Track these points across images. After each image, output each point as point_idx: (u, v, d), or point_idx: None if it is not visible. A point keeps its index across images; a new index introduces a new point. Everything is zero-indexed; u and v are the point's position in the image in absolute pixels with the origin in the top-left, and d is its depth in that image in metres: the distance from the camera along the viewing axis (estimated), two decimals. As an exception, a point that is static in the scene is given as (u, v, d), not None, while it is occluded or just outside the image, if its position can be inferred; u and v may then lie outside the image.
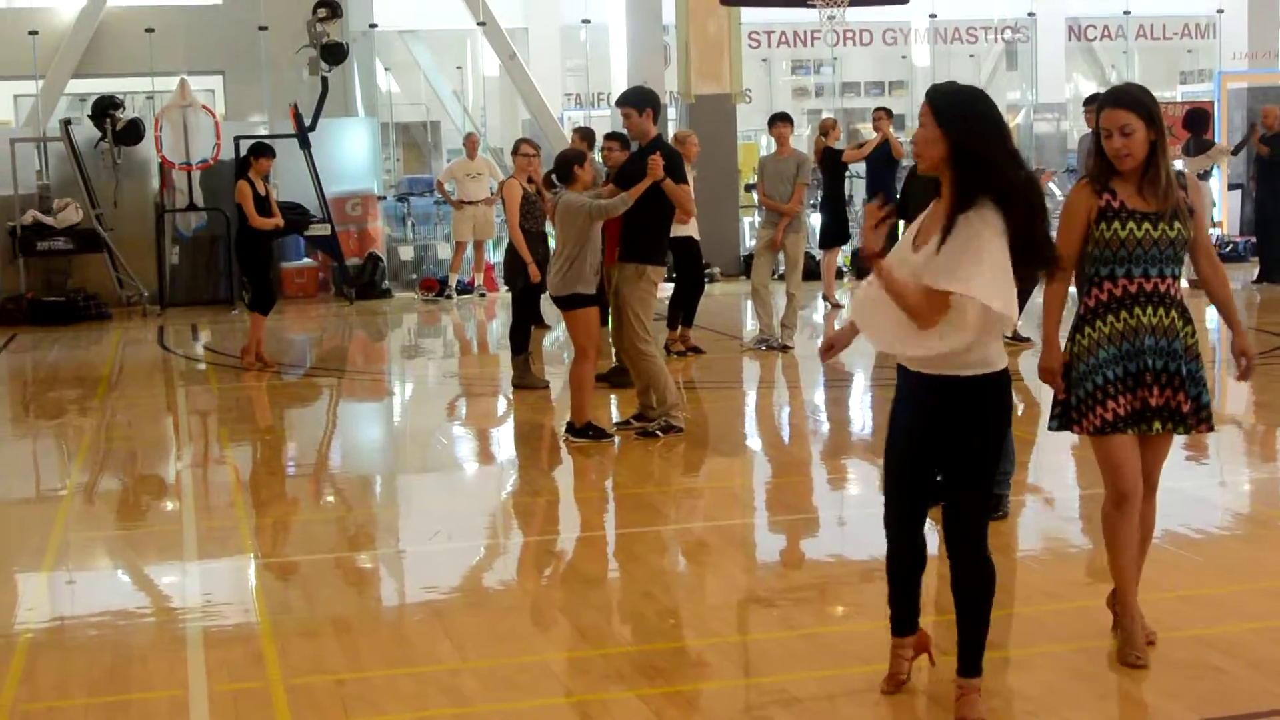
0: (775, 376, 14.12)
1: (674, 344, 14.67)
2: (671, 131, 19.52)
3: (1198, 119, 19.94)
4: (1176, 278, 5.77)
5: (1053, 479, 9.53)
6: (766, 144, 18.48)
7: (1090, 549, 7.63)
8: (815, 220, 20.15)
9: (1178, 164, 21.67)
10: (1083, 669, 5.81)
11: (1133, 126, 5.62)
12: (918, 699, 5.59)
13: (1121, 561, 5.86)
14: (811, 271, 18.88)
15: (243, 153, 20.97)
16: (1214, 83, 26.01)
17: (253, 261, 14.81)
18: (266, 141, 16.22)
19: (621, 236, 10.85)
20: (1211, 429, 5.86)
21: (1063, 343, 5.86)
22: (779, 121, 15.47)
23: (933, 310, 4.95)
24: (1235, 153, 20.42)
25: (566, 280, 10.44)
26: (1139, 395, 5.72)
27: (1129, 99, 5.70)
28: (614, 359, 12.65)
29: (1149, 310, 5.70)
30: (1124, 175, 5.68)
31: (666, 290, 18.56)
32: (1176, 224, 5.66)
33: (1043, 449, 10.09)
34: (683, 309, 14.83)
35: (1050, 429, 5.98)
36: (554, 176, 10.86)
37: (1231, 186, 23.45)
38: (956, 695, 5.31)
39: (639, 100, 11.02)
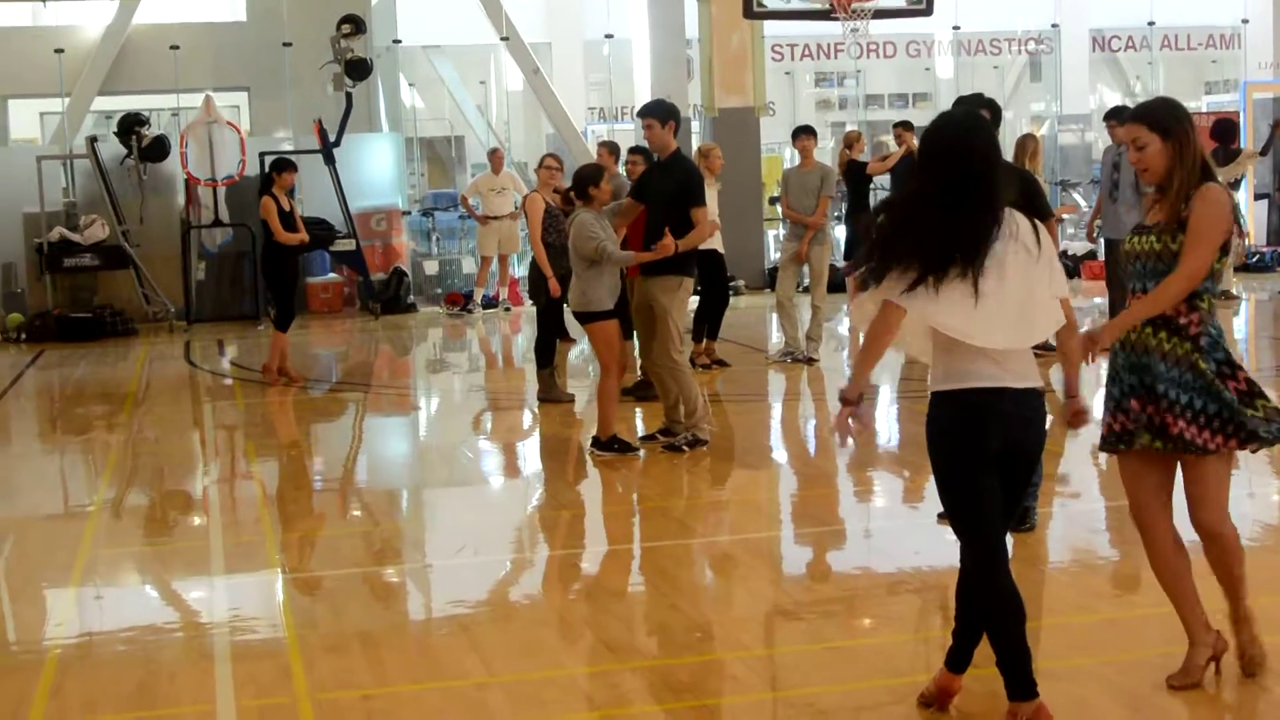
0: (801, 389, 14.10)
1: (699, 357, 14.67)
2: (695, 145, 19.52)
3: (1225, 129, 19.88)
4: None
5: (1080, 490, 9.49)
6: (790, 157, 18.50)
7: (1118, 560, 7.60)
8: (840, 233, 20.14)
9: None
10: (1112, 681, 5.77)
11: (1144, 140, 5.53)
12: (947, 712, 5.56)
13: (1175, 596, 5.67)
14: (837, 284, 18.84)
15: (267, 169, 21.15)
16: (1239, 93, 25.92)
17: (278, 278, 14.83)
18: (289, 156, 16.24)
19: (643, 249, 10.83)
20: (1250, 439, 5.44)
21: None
22: (803, 134, 15.45)
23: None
24: (1264, 153, 20.33)
25: (584, 295, 10.45)
26: (1127, 414, 5.54)
27: (1139, 111, 5.66)
28: (639, 373, 12.65)
29: (1147, 330, 5.52)
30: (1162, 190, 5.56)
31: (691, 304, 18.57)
32: (1165, 238, 5.45)
33: (1070, 460, 10.06)
34: (708, 322, 14.84)
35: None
36: (573, 194, 10.87)
37: (1258, 196, 23.36)
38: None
39: (662, 112, 11.03)
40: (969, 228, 5.03)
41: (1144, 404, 5.49)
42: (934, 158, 5.16)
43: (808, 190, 14.83)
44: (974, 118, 5.34)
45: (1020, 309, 5.06)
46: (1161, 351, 5.46)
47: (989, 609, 5.17)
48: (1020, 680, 5.10)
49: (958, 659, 5.48)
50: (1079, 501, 9.21)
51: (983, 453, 5.10)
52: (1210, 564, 5.62)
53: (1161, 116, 5.55)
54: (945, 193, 5.06)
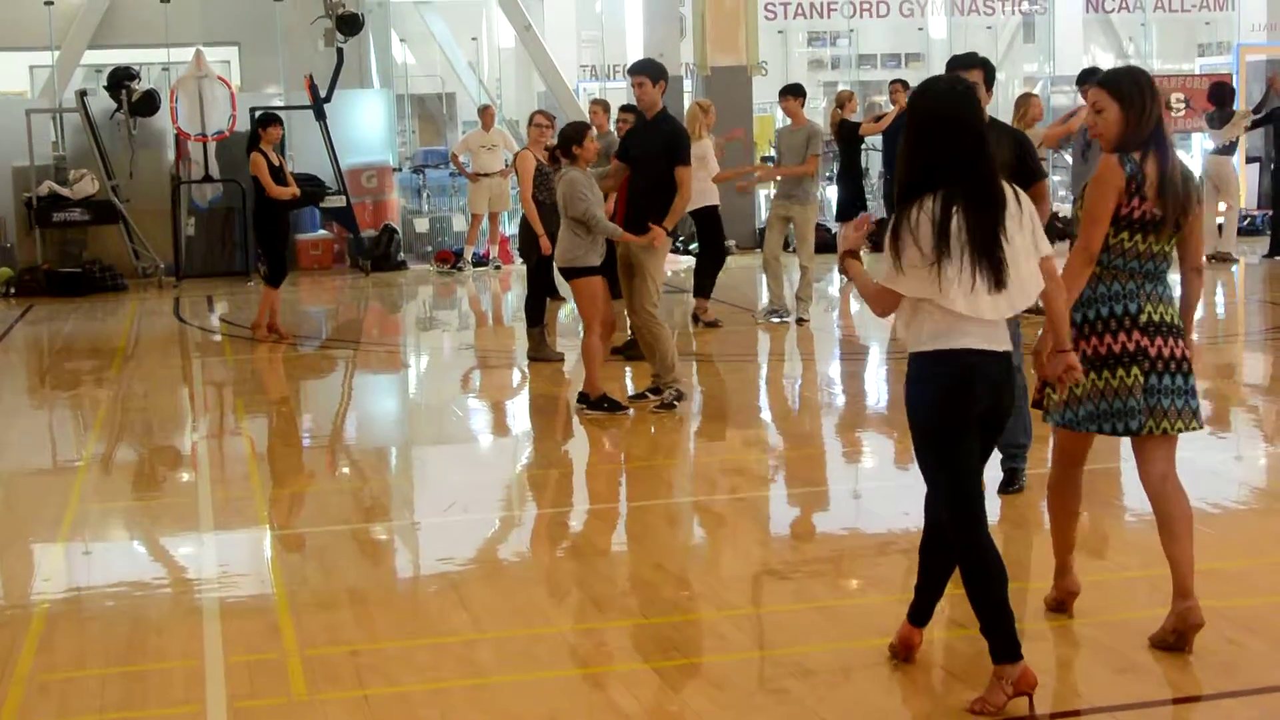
0: (788, 349, 14.10)
1: (703, 314, 14.72)
2: (687, 103, 19.45)
3: (1222, 92, 19.84)
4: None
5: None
6: (783, 117, 18.44)
7: (1105, 523, 7.61)
8: (832, 193, 20.09)
9: (1208, 137, 21.60)
10: (1098, 642, 5.80)
11: (1103, 104, 5.65)
12: (933, 672, 5.59)
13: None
14: (827, 244, 18.81)
15: (254, 124, 21.07)
16: (1232, 55, 25.87)
17: (270, 234, 14.79)
18: (275, 111, 16.16)
19: (636, 208, 10.82)
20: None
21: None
22: (787, 95, 15.33)
23: None
24: (1257, 113, 20.25)
25: (570, 252, 10.45)
26: None
27: (1105, 76, 5.82)
28: (628, 332, 12.65)
29: None
30: None
31: (683, 260, 18.59)
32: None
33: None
34: (709, 277, 14.87)
35: None
36: (558, 152, 10.85)
37: (1249, 160, 23.32)
38: None
39: (653, 71, 11.02)
40: (979, 225, 5.04)
41: None
42: (927, 131, 5.16)
43: (795, 150, 14.79)
44: (961, 87, 5.27)
45: (1013, 281, 5.08)
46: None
47: (971, 570, 5.19)
48: (1004, 642, 5.11)
49: (919, 612, 5.59)
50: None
51: (969, 413, 5.14)
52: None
53: (1123, 84, 5.64)
54: (945, 175, 5.07)
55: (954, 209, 5.03)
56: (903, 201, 5.13)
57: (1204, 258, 5.87)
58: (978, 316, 5.06)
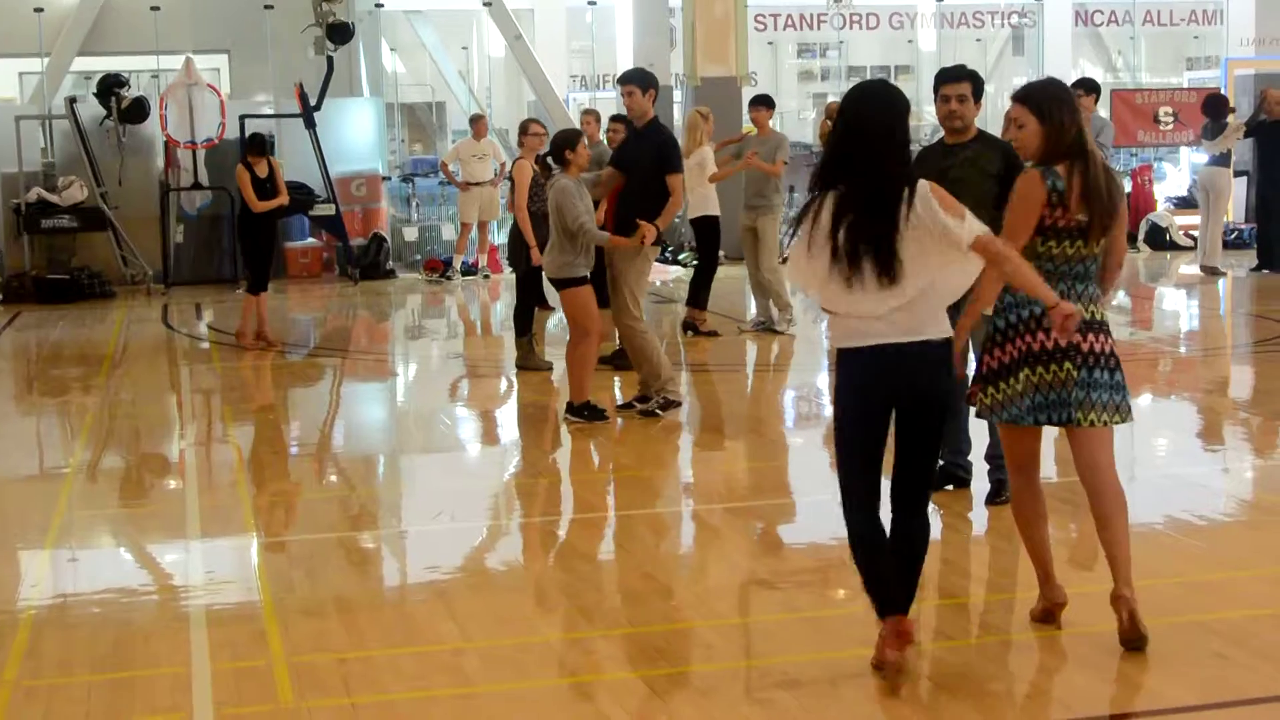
0: (774, 359, 14.11)
1: (701, 324, 14.74)
2: (677, 114, 19.48)
3: (1216, 104, 19.89)
4: None
5: (1054, 464, 9.51)
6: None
7: (1090, 535, 7.61)
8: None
9: (1197, 150, 21.63)
10: (1084, 654, 5.80)
11: (1023, 120, 5.85)
12: (920, 683, 5.59)
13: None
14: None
15: (248, 132, 21.01)
16: (1221, 69, 25.94)
17: (253, 243, 14.88)
18: (261, 133, 16.17)
19: (619, 216, 10.85)
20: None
21: None
22: (756, 105, 15.43)
23: None
24: (1250, 125, 20.29)
25: (561, 262, 10.44)
26: None
27: (1022, 92, 5.98)
28: (617, 341, 12.65)
29: None
30: None
31: (672, 270, 18.58)
32: None
33: (1045, 434, 10.04)
34: (703, 288, 14.87)
35: None
36: (549, 159, 10.85)
37: (1237, 174, 23.39)
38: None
39: (642, 80, 11.05)
40: (864, 224, 5.34)
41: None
42: (837, 131, 5.53)
43: (764, 159, 14.84)
44: (874, 90, 5.58)
45: (910, 276, 5.33)
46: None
47: (849, 538, 5.66)
48: (876, 602, 5.59)
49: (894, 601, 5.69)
50: (1053, 475, 9.22)
51: (867, 406, 5.49)
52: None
53: (1041, 99, 5.85)
54: (843, 173, 5.41)
55: (843, 209, 5.36)
56: (809, 195, 5.52)
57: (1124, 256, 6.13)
58: (858, 314, 5.37)
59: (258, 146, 15.01)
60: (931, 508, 8.03)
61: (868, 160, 5.36)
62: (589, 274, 10.55)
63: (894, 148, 5.41)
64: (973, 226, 5.31)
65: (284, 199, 14.97)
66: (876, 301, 5.34)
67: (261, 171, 14.63)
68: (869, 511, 5.60)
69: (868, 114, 5.45)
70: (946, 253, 5.33)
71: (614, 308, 10.81)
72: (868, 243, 5.31)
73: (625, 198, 10.70)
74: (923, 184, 5.38)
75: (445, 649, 6.13)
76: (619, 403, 11.16)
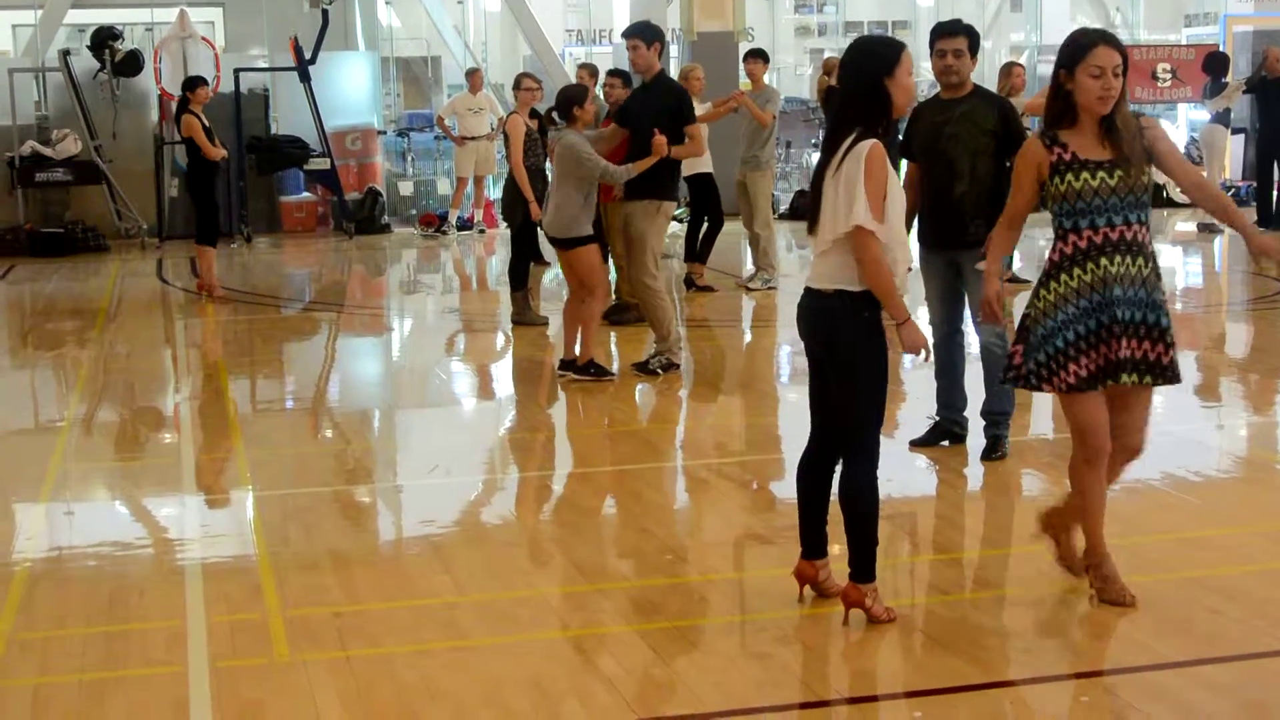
0: (771, 315, 14.09)
1: (698, 277, 14.73)
2: (673, 68, 19.41)
3: (1217, 62, 19.82)
4: (1144, 224, 5.66)
5: (1051, 420, 9.52)
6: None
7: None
8: (815, 159, 20.05)
9: (1196, 107, 21.55)
10: (1079, 609, 5.81)
11: (1122, 67, 5.60)
12: (914, 636, 5.60)
13: (1096, 517, 5.81)
14: (800, 211, 18.82)
15: (243, 87, 21.00)
16: (1219, 25, 25.85)
17: (207, 194, 15.28)
18: (198, 75, 16.36)
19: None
20: (1179, 381, 5.80)
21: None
22: (750, 58, 15.50)
23: None
24: (1251, 82, 20.24)
25: (566, 221, 10.37)
26: (1105, 350, 5.62)
27: (1118, 41, 5.72)
28: (613, 296, 12.63)
29: (1117, 259, 5.60)
30: (1076, 126, 5.65)
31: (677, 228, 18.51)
32: (1133, 170, 5.57)
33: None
34: (706, 244, 14.86)
35: (1005, 384, 6.06)
36: (555, 114, 10.78)
37: (1235, 131, 23.34)
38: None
39: (648, 33, 10.96)
40: (816, 173, 5.74)
41: (1132, 340, 5.63)
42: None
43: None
44: (860, 42, 5.78)
45: (828, 244, 5.55)
46: (1155, 284, 5.66)
47: None
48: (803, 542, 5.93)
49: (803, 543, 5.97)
50: (1051, 431, 9.23)
51: (807, 349, 5.80)
52: (1110, 480, 5.87)
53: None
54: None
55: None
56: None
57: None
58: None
59: (201, 80, 15.61)
60: (926, 463, 8.09)
61: (838, 107, 5.60)
62: (592, 231, 10.52)
63: (860, 99, 5.50)
64: (862, 214, 5.38)
65: (225, 152, 15.65)
66: (813, 245, 5.67)
67: (204, 120, 14.89)
68: (805, 455, 5.93)
69: (847, 61, 5.63)
70: (838, 216, 5.46)
71: (632, 268, 10.77)
72: (811, 185, 5.72)
73: (634, 154, 10.61)
74: (865, 144, 5.43)
75: (440, 603, 6.14)
76: (635, 363, 11.01)
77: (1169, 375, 5.72)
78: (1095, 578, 5.84)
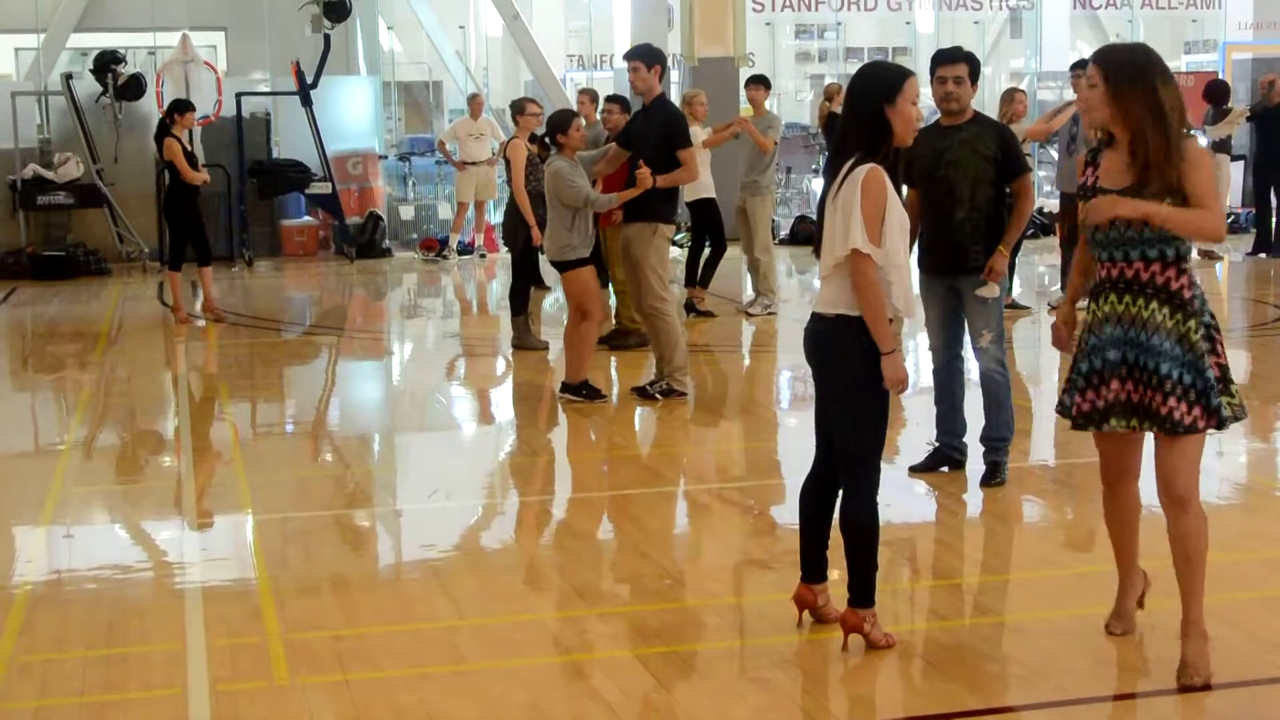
0: (771, 340, 14.11)
1: (699, 302, 14.75)
2: (676, 94, 19.46)
3: (1217, 90, 19.86)
4: (1152, 261, 5.23)
5: (1051, 447, 9.54)
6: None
7: (1088, 517, 7.64)
8: (818, 186, 20.08)
9: (1199, 134, 21.55)
10: (1079, 635, 5.82)
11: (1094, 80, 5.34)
12: (913, 663, 5.60)
13: (1118, 554, 5.76)
14: (804, 237, 18.85)
15: (245, 111, 21.04)
16: (1219, 53, 25.91)
17: (182, 218, 15.33)
18: (185, 99, 16.41)
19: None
20: (1221, 426, 5.30)
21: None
22: (751, 84, 15.55)
23: None
24: (1253, 112, 20.28)
25: (561, 244, 10.42)
26: (1098, 391, 5.34)
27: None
28: (614, 321, 12.64)
29: (1112, 298, 5.30)
30: (1113, 145, 5.36)
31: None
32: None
33: (1041, 416, 10.09)
34: (708, 269, 14.88)
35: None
36: (545, 140, 10.82)
37: (1235, 158, 23.38)
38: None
39: (648, 56, 10.97)
40: (821, 198, 5.76)
41: (1125, 383, 5.30)
42: None
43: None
44: (866, 68, 5.78)
45: (825, 250, 5.60)
46: (1154, 325, 5.23)
47: None
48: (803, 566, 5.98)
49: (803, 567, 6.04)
50: (1051, 458, 9.25)
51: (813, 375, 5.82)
52: (1171, 541, 5.37)
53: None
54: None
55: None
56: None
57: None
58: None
59: (187, 105, 15.61)
60: (926, 488, 8.09)
61: (839, 132, 5.66)
62: (589, 255, 10.54)
63: (861, 125, 5.54)
64: (858, 238, 5.38)
65: (207, 177, 15.70)
66: (820, 268, 5.68)
67: (187, 145, 15.02)
68: (808, 479, 5.97)
69: (853, 86, 5.67)
70: (836, 241, 5.49)
71: (637, 291, 10.75)
72: (816, 211, 5.80)
73: (634, 177, 10.63)
74: (863, 169, 5.44)
75: (440, 627, 6.14)
76: (633, 387, 11.01)
77: (1167, 425, 5.24)
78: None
